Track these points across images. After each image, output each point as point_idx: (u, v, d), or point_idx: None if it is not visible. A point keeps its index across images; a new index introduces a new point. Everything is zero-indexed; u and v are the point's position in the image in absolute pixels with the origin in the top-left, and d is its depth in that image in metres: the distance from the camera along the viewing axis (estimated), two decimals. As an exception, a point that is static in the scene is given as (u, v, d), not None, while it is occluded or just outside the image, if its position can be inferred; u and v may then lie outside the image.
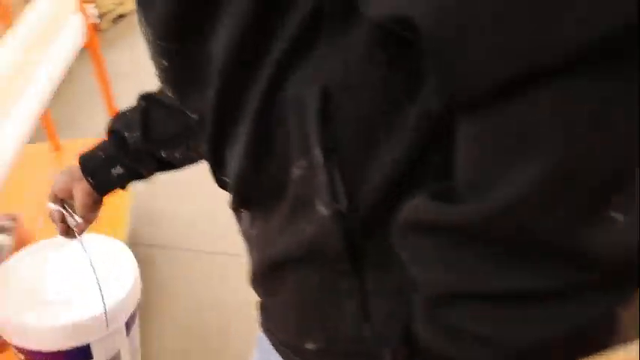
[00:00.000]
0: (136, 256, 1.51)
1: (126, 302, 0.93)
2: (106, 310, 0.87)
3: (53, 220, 0.78)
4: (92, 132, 1.95)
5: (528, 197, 0.27)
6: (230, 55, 0.35)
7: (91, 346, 0.90)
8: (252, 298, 0.53)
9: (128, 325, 0.97)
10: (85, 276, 0.93)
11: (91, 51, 1.60)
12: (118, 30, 3.40)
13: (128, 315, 0.95)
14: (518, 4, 0.24)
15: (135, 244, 1.78)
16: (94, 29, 1.61)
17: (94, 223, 0.78)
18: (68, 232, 0.78)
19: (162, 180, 2.22)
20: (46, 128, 1.74)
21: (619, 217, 0.26)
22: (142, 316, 1.62)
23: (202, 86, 0.38)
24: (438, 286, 0.33)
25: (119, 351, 0.97)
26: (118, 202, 1.51)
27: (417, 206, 0.32)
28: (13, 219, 1.36)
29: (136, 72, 3.00)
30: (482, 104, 0.27)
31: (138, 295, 0.99)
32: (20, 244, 1.35)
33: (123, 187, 0.75)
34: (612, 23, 0.23)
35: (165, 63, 0.40)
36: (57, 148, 1.80)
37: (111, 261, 0.99)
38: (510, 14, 0.24)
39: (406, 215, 0.33)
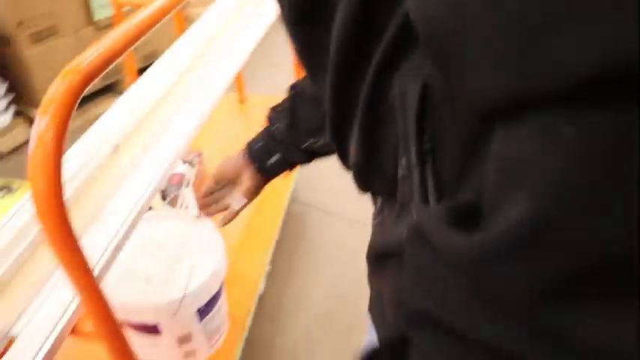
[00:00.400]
0: (291, 211, 1.60)
1: (200, 293, 0.98)
2: (183, 296, 0.92)
3: (206, 195, 0.85)
4: (276, 90, 2.13)
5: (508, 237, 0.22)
6: (340, 45, 0.34)
7: (159, 324, 0.97)
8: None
9: (203, 312, 1.01)
10: (174, 256, 1.01)
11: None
12: None
13: (202, 304, 1.00)
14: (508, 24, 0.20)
15: (292, 200, 1.90)
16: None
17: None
18: (207, 209, 0.85)
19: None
20: (236, 82, 1.92)
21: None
22: (286, 266, 1.74)
23: (324, 74, 0.37)
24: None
25: (189, 332, 1.02)
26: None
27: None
28: (198, 155, 1.54)
29: None
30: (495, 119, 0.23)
31: (216, 287, 1.03)
32: (200, 177, 1.53)
33: (281, 172, 0.79)
34: (604, 60, 0.18)
35: (296, 47, 0.40)
36: (242, 100, 1.97)
37: (204, 250, 1.03)
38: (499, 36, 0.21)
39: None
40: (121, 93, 2.56)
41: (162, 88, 1.12)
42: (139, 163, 0.94)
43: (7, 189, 1.41)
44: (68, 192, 0.85)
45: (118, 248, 0.78)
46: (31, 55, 2.12)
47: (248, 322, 1.21)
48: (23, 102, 2.27)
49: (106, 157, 0.94)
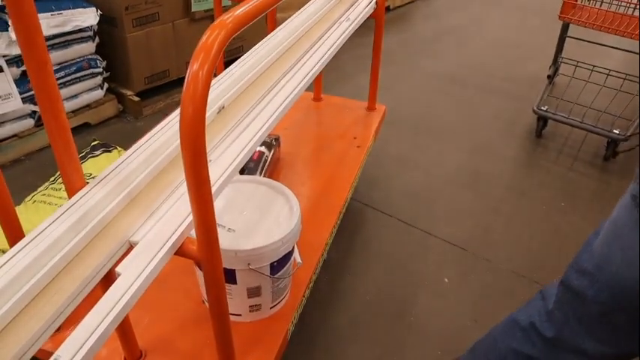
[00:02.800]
0: (351, 209, 1.66)
1: (274, 249, 1.06)
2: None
3: None
4: (348, 93, 2.24)
5: None
6: None
7: (236, 272, 1.07)
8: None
9: (275, 267, 1.10)
10: (257, 213, 1.11)
11: (377, 21, 1.81)
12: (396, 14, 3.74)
13: (276, 259, 1.08)
14: None
15: (352, 199, 1.99)
16: (383, 4, 1.81)
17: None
18: None
19: (393, 155, 2.35)
20: (315, 82, 2.03)
21: None
22: (340, 257, 1.81)
23: None
24: None
25: (260, 285, 1.11)
26: (351, 163, 1.70)
27: None
28: (276, 139, 1.65)
29: (402, 52, 3.30)
30: None
31: (289, 248, 1.11)
32: (275, 159, 1.64)
33: None
34: None
35: None
36: (318, 99, 2.08)
37: (284, 213, 1.13)
38: None
39: None
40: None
41: (257, 70, 1.24)
42: (241, 123, 1.06)
43: (105, 148, 1.56)
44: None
45: (222, 186, 0.88)
46: (131, 37, 2.32)
47: (302, 301, 1.28)
48: (116, 81, 2.47)
49: (213, 114, 1.06)
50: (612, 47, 2.65)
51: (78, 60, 2.23)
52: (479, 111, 2.74)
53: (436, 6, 4.23)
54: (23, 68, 2.07)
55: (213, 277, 0.82)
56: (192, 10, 2.50)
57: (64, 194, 1.33)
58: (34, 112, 2.15)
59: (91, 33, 2.22)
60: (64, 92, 2.23)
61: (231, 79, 1.18)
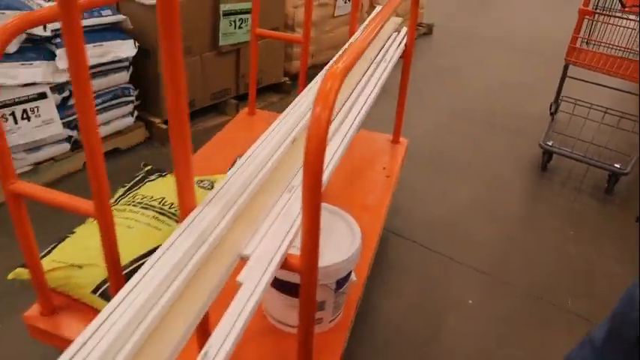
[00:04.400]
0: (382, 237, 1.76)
1: (342, 267, 1.17)
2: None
3: None
4: (380, 128, 2.36)
5: None
6: None
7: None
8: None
9: (339, 284, 1.21)
10: (325, 235, 1.21)
11: (405, 60, 1.96)
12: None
13: (340, 277, 1.19)
14: None
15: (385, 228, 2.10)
16: (412, 45, 1.97)
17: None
18: None
19: (410, 186, 2.49)
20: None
21: None
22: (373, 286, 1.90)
23: None
24: None
25: (325, 300, 1.21)
26: (382, 192, 1.82)
27: None
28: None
29: (422, 85, 3.48)
30: None
31: (351, 268, 1.23)
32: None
33: None
34: None
35: None
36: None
37: (346, 234, 1.25)
38: None
39: None
40: (224, 113, 2.84)
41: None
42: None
43: (160, 173, 1.65)
44: (269, 165, 1.08)
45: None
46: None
47: (354, 317, 1.38)
48: (146, 110, 2.57)
49: (287, 146, 1.18)
50: (608, 87, 2.86)
51: (113, 88, 2.34)
52: (487, 147, 2.91)
53: (436, 45, 4.46)
54: (64, 94, 2.17)
55: (309, 286, 0.92)
56: (220, 44, 2.63)
57: (130, 214, 1.42)
58: (70, 136, 2.23)
59: (127, 63, 2.33)
60: (100, 118, 2.32)
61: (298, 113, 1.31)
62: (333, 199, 1.81)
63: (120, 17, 2.24)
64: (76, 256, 1.29)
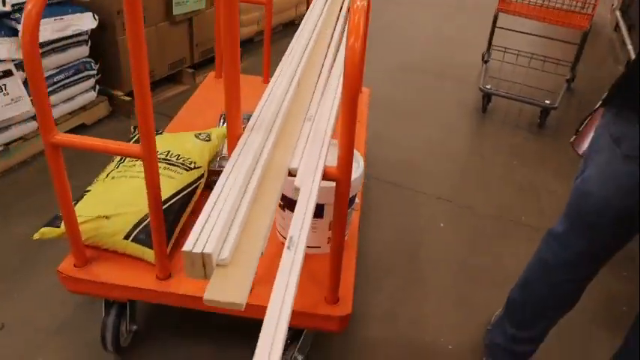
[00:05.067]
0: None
1: (354, 187, 1.28)
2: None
3: None
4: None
5: None
6: None
7: (324, 206, 1.32)
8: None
9: (350, 202, 1.31)
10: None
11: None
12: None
13: (352, 194, 1.33)
14: None
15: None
16: None
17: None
18: None
19: (384, 133, 2.74)
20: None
21: None
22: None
23: None
24: None
25: None
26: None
27: None
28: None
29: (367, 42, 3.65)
30: None
31: (357, 189, 1.40)
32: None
33: None
34: None
35: None
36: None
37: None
38: None
39: None
40: (180, 82, 2.87)
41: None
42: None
43: (207, 136, 1.71)
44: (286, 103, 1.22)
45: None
46: (122, 40, 2.45)
47: (359, 235, 1.56)
48: (106, 83, 2.56)
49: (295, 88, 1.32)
50: (532, 34, 3.20)
51: (75, 63, 2.33)
52: (434, 94, 3.17)
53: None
54: (28, 71, 2.14)
55: (344, 194, 1.09)
56: (174, 13, 2.66)
57: (140, 168, 1.49)
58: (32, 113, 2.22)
59: (86, 37, 2.32)
60: (64, 94, 2.31)
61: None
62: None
63: (75, -11, 2.23)
64: (100, 209, 1.36)
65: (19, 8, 2.01)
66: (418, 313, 1.69)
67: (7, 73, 2.03)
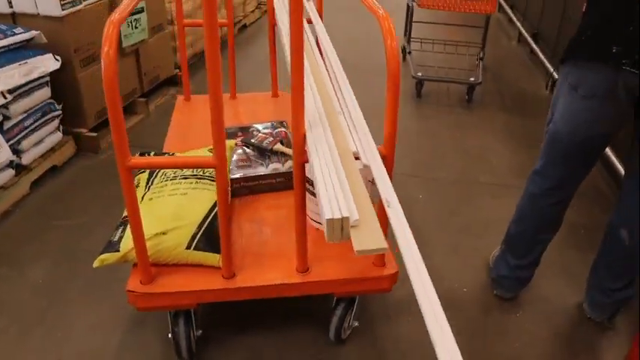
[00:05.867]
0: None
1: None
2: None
3: None
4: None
5: None
6: None
7: None
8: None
9: None
10: None
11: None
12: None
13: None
14: None
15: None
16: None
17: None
18: None
19: None
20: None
21: None
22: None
23: None
24: None
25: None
26: None
27: None
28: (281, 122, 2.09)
29: None
30: None
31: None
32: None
33: None
34: None
35: None
36: (275, 95, 2.54)
37: None
38: None
39: None
40: (134, 112, 2.92)
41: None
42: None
43: (167, 153, 1.80)
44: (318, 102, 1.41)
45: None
46: (81, 77, 2.46)
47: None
48: (68, 122, 2.54)
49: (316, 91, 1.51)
50: (445, 24, 3.64)
51: (41, 105, 2.31)
52: (371, 87, 3.45)
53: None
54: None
55: (391, 167, 1.31)
56: (123, 45, 2.71)
57: (174, 186, 1.58)
58: (11, 161, 2.18)
59: (48, 78, 2.32)
60: (33, 138, 2.28)
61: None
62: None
63: (33, 32, 2.22)
64: (154, 227, 1.45)
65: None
66: (430, 267, 1.95)
67: (-15, 123, 2.00)
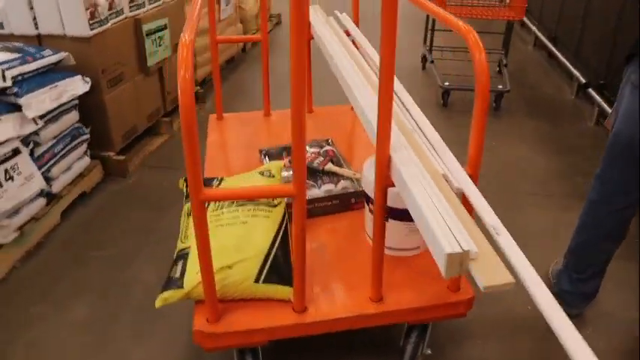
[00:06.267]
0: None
1: None
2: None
3: None
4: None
5: None
6: None
7: None
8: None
9: None
10: None
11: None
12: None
13: None
14: None
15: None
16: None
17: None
18: None
19: None
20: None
21: None
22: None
23: None
24: None
25: None
26: None
27: None
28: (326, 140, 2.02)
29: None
30: None
31: None
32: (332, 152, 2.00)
33: None
34: None
35: None
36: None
37: None
38: None
39: None
40: (158, 133, 2.82)
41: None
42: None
43: (269, 172, 1.71)
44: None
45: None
46: (109, 98, 2.37)
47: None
48: (95, 146, 2.45)
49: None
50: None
51: (69, 130, 2.22)
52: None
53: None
54: (30, 147, 2.02)
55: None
56: (148, 64, 2.63)
57: (229, 214, 1.49)
58: (42, 190, 2.08)
59: (76, 101, 2.23)
60: (63, 164, 2.19)
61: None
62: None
63: (62, 54, 2.13)
64: (218, 261, 1.36)
65: (19, 80, 1.90)
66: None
67: (16, 152, 1.90)
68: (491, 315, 1.78)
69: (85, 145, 2.34)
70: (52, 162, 2.11)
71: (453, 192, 1.07)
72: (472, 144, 1.18)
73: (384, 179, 1.17)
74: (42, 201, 2.08)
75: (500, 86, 3.13)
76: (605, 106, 2.85)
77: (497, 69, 3.61)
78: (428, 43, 3.59)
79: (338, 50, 1.80)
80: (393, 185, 1.17)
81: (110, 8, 2.30)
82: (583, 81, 3.09)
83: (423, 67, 3.80)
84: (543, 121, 3.14)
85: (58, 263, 2.00)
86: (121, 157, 2.48)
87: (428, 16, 3.51)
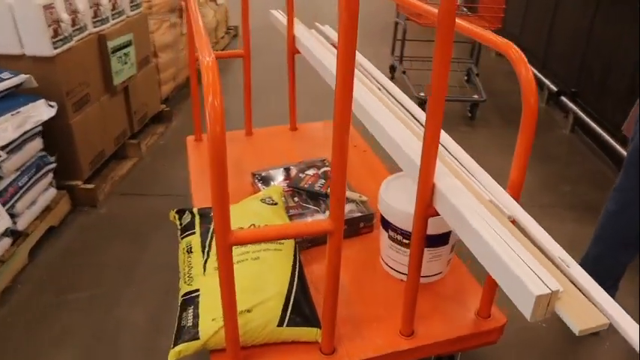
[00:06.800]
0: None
1: None
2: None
3: None
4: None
5: None
6: None
7: (450, 233, 1.40)
8: None
9: None
10: None
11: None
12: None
13: None
14: None
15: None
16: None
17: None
18: None
19: None
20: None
21: None
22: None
23: None
24: None
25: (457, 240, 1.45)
26: None
27: None
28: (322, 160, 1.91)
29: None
30: None
31: None
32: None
33: None
34: None
35: None
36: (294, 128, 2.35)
37: None
38: None
39: None
40: (125, 156, 2.63)
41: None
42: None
43: (270, 199, 1.58)
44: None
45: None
46: (75, 123, 2.16)
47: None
48: (63, 174, 2.22)
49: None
50: (429, 40, 3.57)
51: (33, 160, 1.99)
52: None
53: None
54: (-8, 182, 1.79)
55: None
56: (114, 83, 2.43)
57: (243, 249, 1.35)
58: (7, 228, 1.85)
59: (40, 127, 2.01)
60: (28, 198, 1.96)
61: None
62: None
63: (23, 77, 1.92)
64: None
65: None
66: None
67: (-22, 190, 1.68)
68: (516, 341, 1.72)
69: (50, 175, 2.11)
70: (16, 197, 1.89)
71: (508, 221, 1.00)
72: (515, 166, 1.11)
73: (426, 209, 1.08)
74: (7, 241, 1.85)
75: (476, 95, 3.14)
76: (581, 113, 2.91)
77: (466, 78, 3.63)
78: (397, 53, 3.56)
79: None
80: (436, 214, 1.08)
81: (73, 24, 2.10)
82: (554, 89, 3.14)
83: (392, 78, 3.77)
84: (518, 130, 3.16)
85: (31, 311, 1.78)
86: (90, 186, 2.27)
87: (396, 26, 3.49)
